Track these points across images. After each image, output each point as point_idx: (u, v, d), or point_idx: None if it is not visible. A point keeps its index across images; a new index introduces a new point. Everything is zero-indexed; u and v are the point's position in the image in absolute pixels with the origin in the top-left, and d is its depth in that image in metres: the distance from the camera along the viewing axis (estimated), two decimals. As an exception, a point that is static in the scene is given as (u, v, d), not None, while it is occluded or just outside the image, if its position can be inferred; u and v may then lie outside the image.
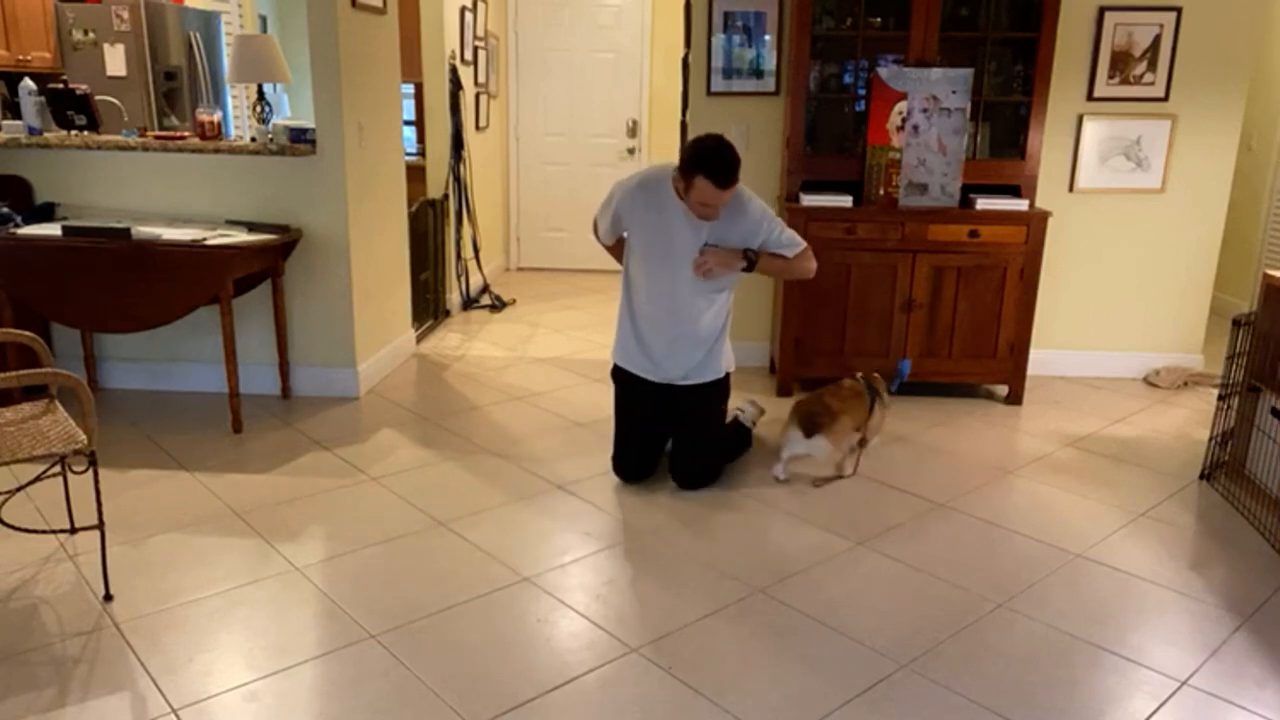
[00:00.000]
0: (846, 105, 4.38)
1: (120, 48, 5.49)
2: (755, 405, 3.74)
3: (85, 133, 3.98)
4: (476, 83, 6.20)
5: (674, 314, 3.18)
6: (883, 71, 4.01)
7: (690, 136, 3.10)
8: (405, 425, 3.83)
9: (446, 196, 5.72)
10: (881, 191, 4.10)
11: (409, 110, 5.71)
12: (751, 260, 3.11)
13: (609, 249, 3.39)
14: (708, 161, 2.86)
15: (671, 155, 6.78)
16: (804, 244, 3.20)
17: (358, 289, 4.10)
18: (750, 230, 3.11)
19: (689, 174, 2.90)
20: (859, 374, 3.52)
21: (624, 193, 3.16)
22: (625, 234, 3.24)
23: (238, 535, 2.84)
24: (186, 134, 4.25)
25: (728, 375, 3.34)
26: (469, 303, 6.06)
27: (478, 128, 6.27)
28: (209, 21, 6.19)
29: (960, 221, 4.04)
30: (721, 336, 3.28)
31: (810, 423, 3.23)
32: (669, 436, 3.36)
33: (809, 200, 4.09)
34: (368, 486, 3.23)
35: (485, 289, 6.32)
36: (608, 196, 3.24)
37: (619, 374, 3.35)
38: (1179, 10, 4.26)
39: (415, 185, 5.27)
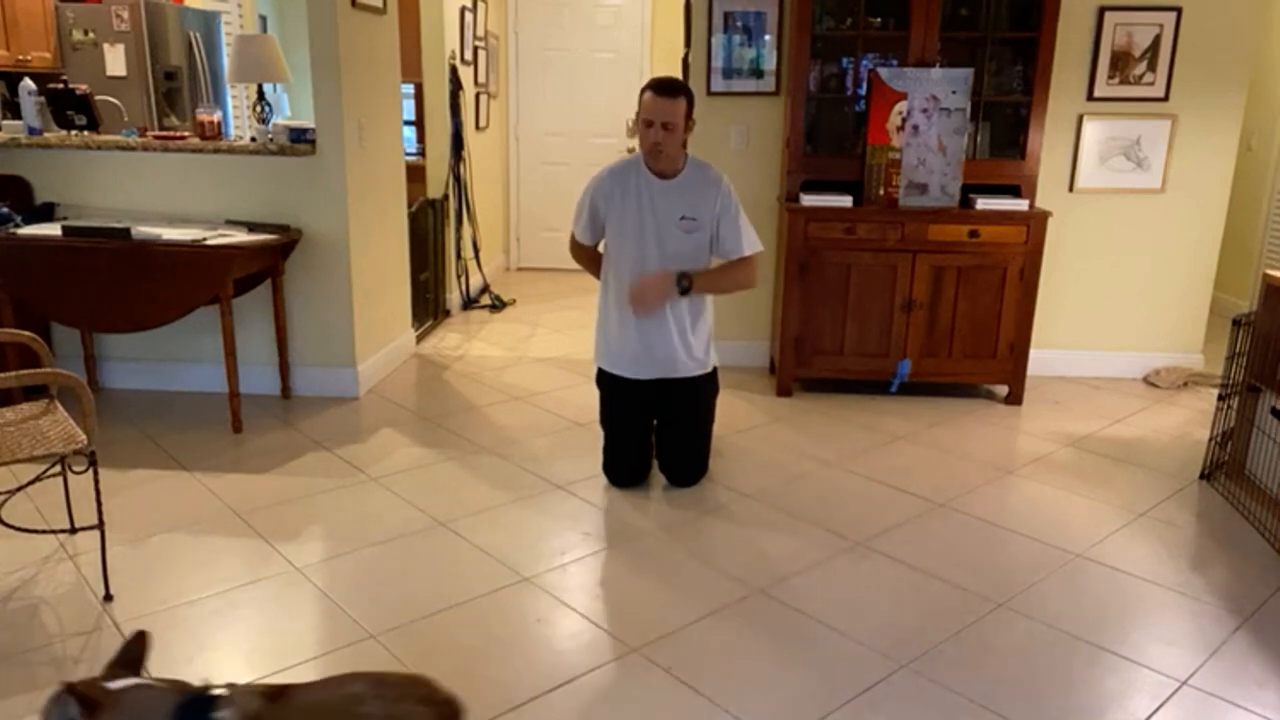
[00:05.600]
0: (846, 105, 4.38)
1: (120, 48, 5.49)
2: None
3: (85, 133, 3.99)
4: (476, 83, 6.20)
5: None
6: (883, 71, 4.01)
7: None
8: (405, 425, 3.83)
9: (446, 196, 5.72)
10: (881, 191, 4.10)
11: (409, 110, 5.70)
12: (685, 287, 3.12)
13: (589, 261, 3.38)
14: (650, 81, 3.10)
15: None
16: (759, 247, 3.22)
17: (358, 289, 4.10)
18: (722, 208, 3.15)
19: (638, 104, 3.07)
20: None
21: (597, 184, 3.23)
22: (605, 228, 3.23)
23: (238, 535, 2.84)
24: (186, 134, 4.25)
25: (715, 370, 3.34)
26: (469, 303, 6.05)
27: (478, 128, 6.27)
28: (209, 21, 6.19)
29: (960, 221, 4.04)
30: (700, 322, 3.23)
31: None
32: (653, 435, 3.36)
33: (809, 200, 4.09)
34: (368, 486, 3.23)
35: (485, 289, 6.32)
36: (580, 199, 3.28)
37: (606, 378, 3.32)
38: (1179, 10, 4.26)
39: (415, 185, 5.27)
